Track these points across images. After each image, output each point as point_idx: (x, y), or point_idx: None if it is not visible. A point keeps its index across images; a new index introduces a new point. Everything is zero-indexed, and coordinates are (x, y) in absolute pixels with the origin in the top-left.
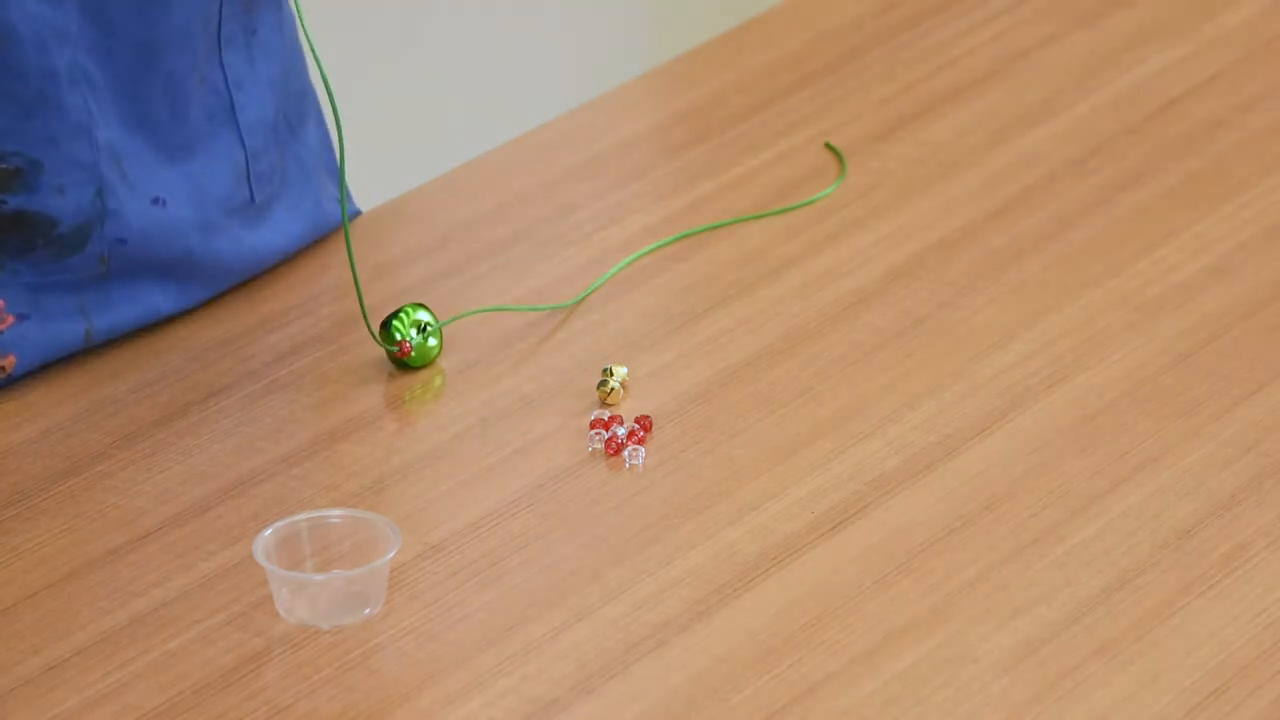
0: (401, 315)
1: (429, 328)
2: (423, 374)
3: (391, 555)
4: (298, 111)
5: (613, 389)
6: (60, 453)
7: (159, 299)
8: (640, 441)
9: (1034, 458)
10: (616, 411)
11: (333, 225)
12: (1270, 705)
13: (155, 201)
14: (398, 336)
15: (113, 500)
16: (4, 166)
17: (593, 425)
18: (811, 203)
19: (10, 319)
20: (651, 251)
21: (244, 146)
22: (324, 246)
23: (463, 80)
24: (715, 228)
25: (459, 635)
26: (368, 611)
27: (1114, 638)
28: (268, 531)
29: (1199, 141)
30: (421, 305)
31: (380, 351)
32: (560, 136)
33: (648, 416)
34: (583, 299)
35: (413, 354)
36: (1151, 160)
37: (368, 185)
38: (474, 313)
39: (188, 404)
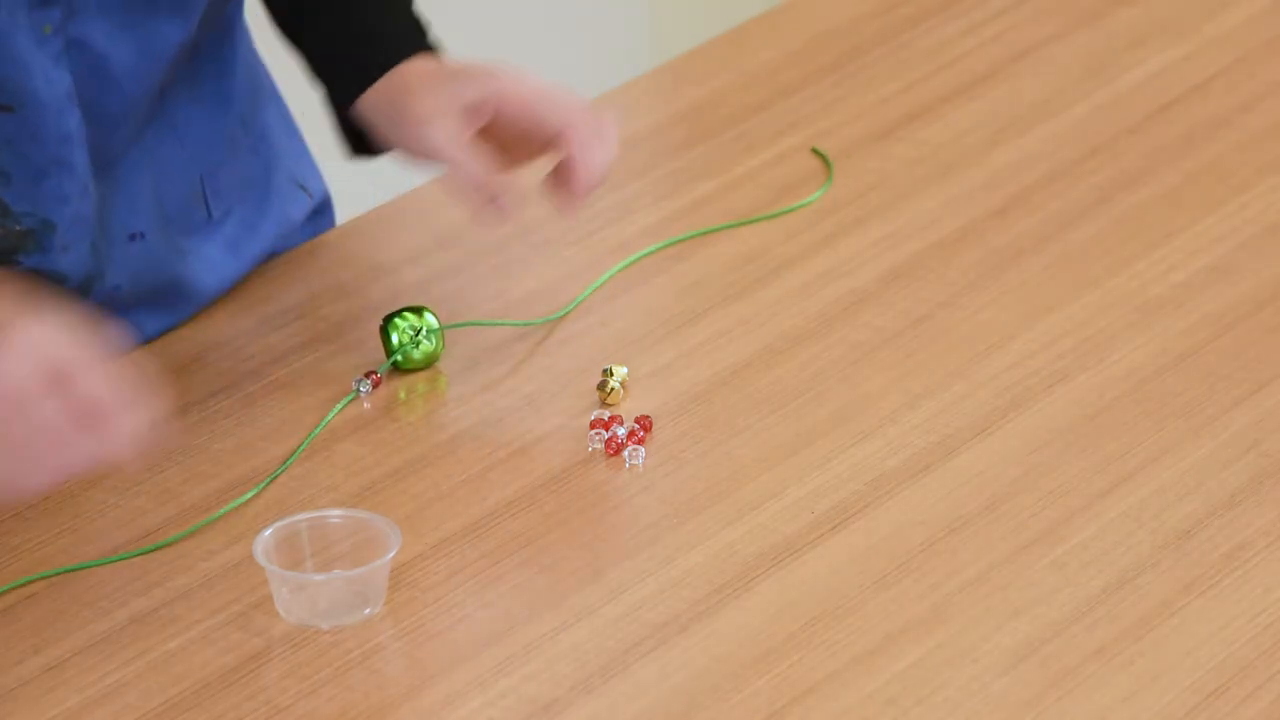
0: (403, 316)
1: (424, 331)
2: (423, 374)
3: (391, 555)
4: (252, 106)
5: (613, 389)
6: None
7: (150, 325)
8: (640, 441)
9: (1034, 458)
10: (616, 411)
11: (307, 214)
12: (1270, 705)
13: (132, 237)
14: (394, 338)
15: (113, 500)
16: (18, 228)
17: (593, 425)
18: (796, 209)
19: None
20: (633, 263)
21: (198, 165)
22: (325, 248)
23: None
24: (685, 240)
25: (459, 635)
26: (368, 611)
27: (1114, 638)
28: (268, 531)
29: (1199, 141)
30: (424, 308)
31: (380, 353)
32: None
33: (648, 416)
34: (564, 314)
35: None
36: (1151, 160)
37: (369, 184)
38: (463, 324)
39: (188, 404)
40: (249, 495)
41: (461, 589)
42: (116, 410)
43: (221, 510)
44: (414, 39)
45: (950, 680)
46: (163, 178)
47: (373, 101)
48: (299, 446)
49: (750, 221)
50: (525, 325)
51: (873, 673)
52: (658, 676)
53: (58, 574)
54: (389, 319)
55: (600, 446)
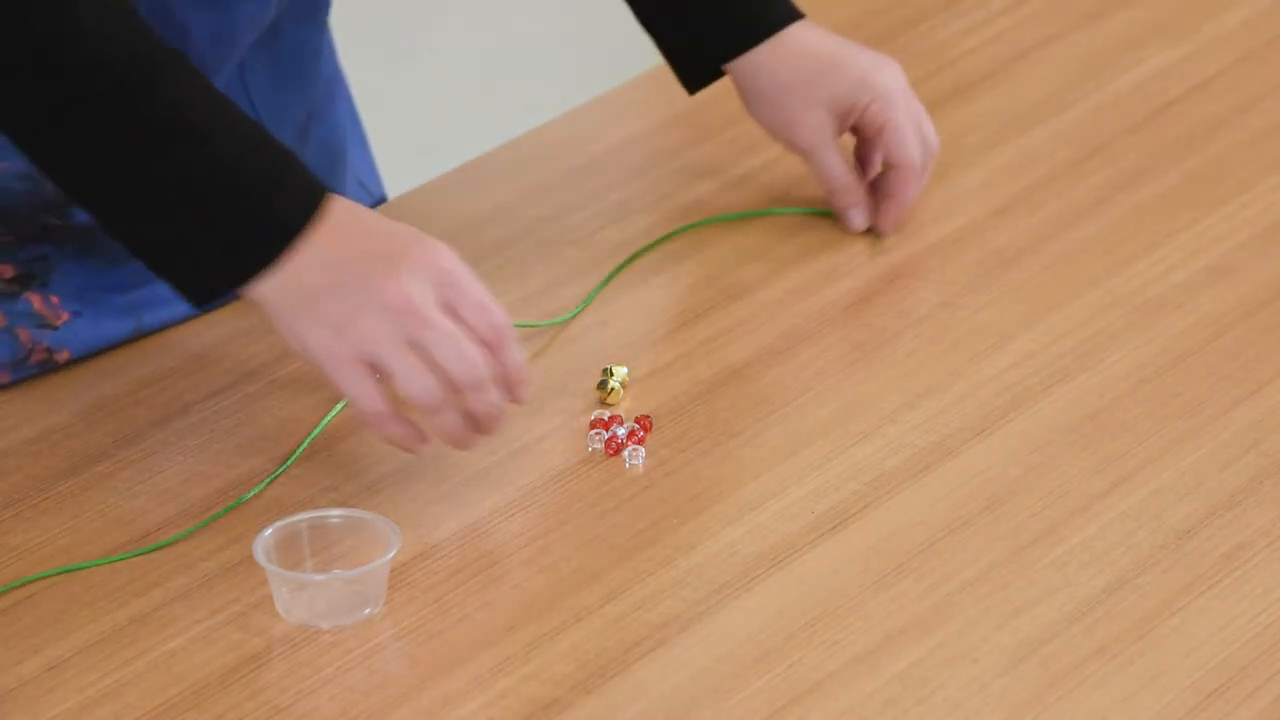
0: None
1: None
2: None
3: (391, 555)
4: (327, 101)
5: (613, 389)
6: (60, 453)
7: None
8: (640, 441)
9: (1034, 458)
10: (616, 411)
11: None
12: (1270, 705)
13: None
14: None
15: (113, 500)
16: None
17: (593, 425)
18: (803, 212)
19: (65, 315)
20: (638, 256)
21: None
22: None
23: (463, 80)
24: (687, 230)
25: (459, 635)
26: (368, 611)
27: (1114, 638)
28: (268, 531)
29: (1199, 141)
30: None
31: None
32: (560, 136)
33: (648, 416)
34: (569, 319)
35: None
36: (1151, 160)
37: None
38: None
39: (188, 404)
40: (249, 495)
41: (461, 589)
42: (500, 343)
43: (221, 510)
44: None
45: (950, 680)
46: None
47: (754, 67)
48: (299, 446)
49: (763, 213)
50: (528, 327)
51: (873, 673)
52: (658, 676)
53: (58, 574)
54: None
55: (600, 446)
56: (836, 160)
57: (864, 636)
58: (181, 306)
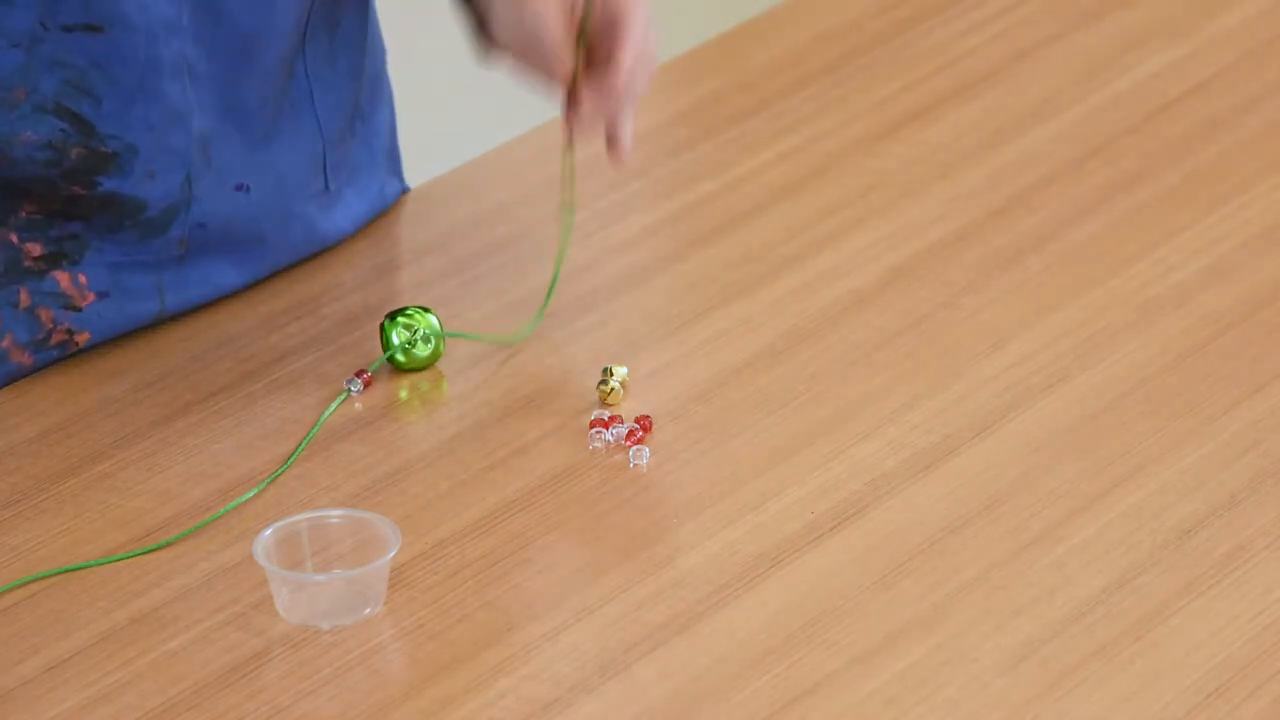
0: (405, 314)
1: (420, 331)
2: (423, 374)
3: (391, 555)
4: (371, 99)
5: (613, 389)
6: (60, 453)
7: (231, 276)
8: (639, 441)
9: (1034, 458)
10: (616, 411)
11: (388, 207)
12: (1270, 705)
13: (239, 188)
14: (393, 338)
15: (113, 500)
16: (102, 149)
17: (593, 425)
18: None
19: (91, 296)
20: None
21: (322, 136)
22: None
23: (463, 80)
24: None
25: (459, 635)
26: (368, 611)
27: (1114, 638)
28: (268, 531)
29: (1199, 141)
30: (428, 309)
31: (381, 353)
32: (560, 136)
33: (648, 416)
34: (531, 330)
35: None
36: (1151, 160)
37: None
38: (456, 335)
39: (188, 404)
40: (249, 495)
41: (461, 589)
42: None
43: (221, 510)
44: None
45: (950, 680)
46: (293, 138)
47: None
48: (299, 446)
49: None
50: (511, 342)
51: (873, 673)
52: (658, 676)
53: (58, 574)
54: (390, 318)
55: (600, 446)
56: (553, 20)
57: (864, 636)
58: (203, 289)
